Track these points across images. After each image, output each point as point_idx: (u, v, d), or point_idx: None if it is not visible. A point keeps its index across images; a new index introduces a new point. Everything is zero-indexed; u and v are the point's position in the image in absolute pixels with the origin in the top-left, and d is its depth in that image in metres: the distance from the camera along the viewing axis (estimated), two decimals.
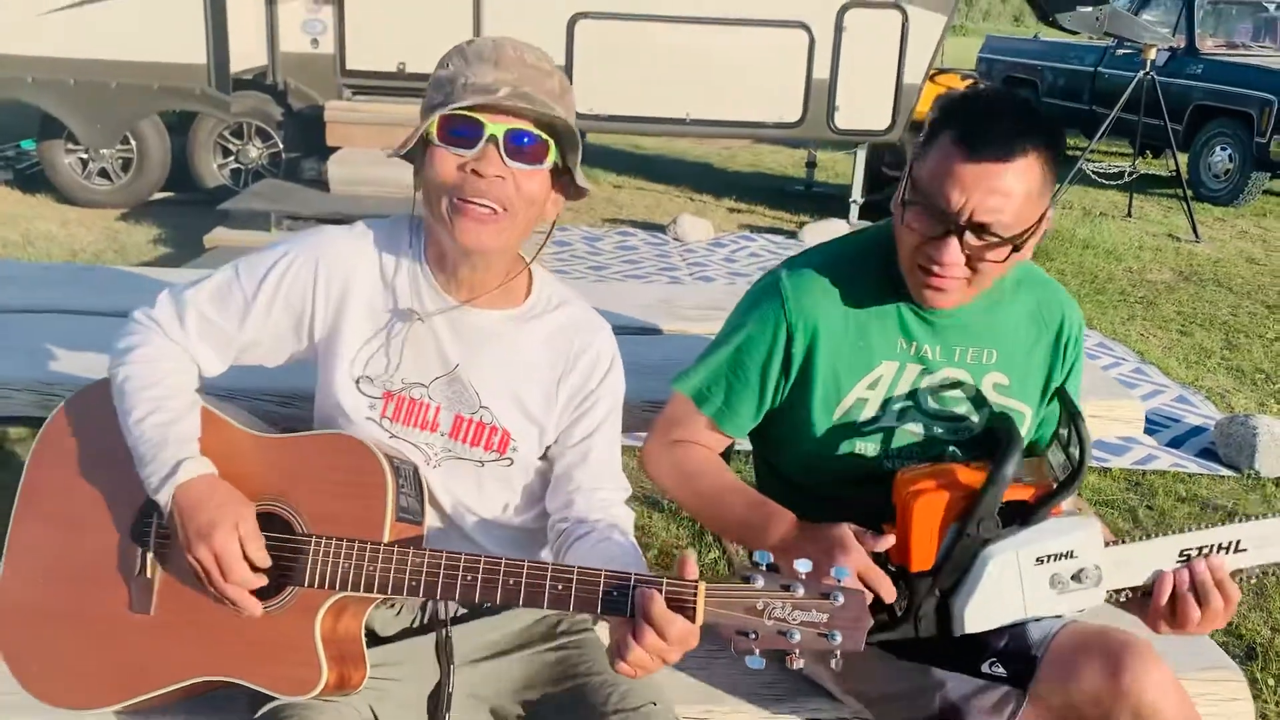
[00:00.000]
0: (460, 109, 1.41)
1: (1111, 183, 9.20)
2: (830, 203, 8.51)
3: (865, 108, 7.27)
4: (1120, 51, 10.40)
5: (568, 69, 7.20)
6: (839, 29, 7.14)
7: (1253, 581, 2.82)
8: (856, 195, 7.83)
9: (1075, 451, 1.52)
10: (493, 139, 1.42)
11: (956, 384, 1.69)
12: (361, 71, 7.11)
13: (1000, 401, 1.72)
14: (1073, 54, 11.64)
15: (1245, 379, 5.20)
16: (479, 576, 1.39)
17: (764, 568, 1.27)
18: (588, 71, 7.09)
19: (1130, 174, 8.77)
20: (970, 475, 1.53)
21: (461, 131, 1.43)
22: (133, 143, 7.27)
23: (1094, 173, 8.94)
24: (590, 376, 1.63)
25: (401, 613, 1.65)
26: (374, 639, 1.64)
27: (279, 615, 1.46)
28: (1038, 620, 1.55)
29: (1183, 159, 8.91)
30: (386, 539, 1.44)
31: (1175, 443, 4.32)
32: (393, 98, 7.11)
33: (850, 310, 1.67)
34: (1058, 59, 11.83)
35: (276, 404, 1.96)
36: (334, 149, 6.80)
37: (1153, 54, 8.14)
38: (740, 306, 1.75)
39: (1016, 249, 1.52)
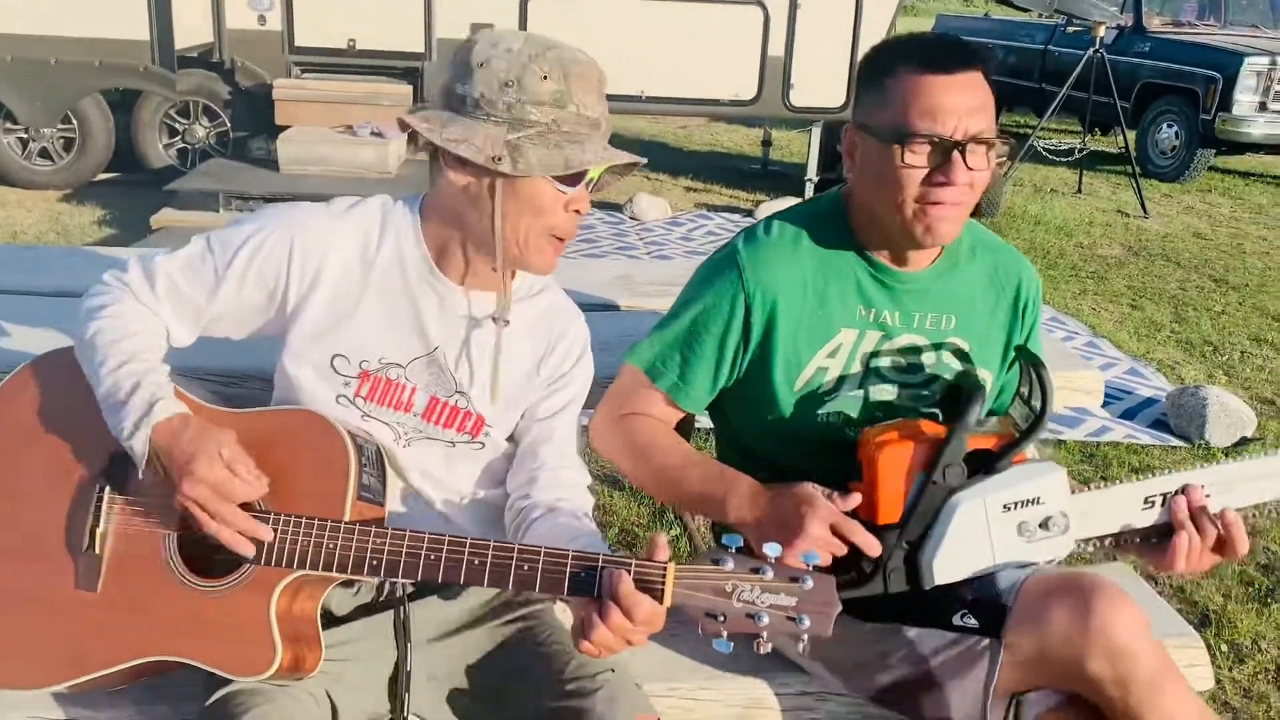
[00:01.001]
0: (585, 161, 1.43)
1: (1062, 159, 9.29)
2: (786, 181, 8.51)
3: (820, 85, 7.27)
4: (1070, 29, 10.48)
5: None
6: (794, 6, 7.13)
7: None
8: (812, 173, 7.83)
9: (1036, 402, 1.52)
10: (589, 181, 1.47)
11: (916, 350, 1.69)
12: (310, 48, 6.98)
13: (960, 367, 1.71)
14: (1023, 32, 11.72)
15: (1194, 351, 5.29)
16: (443, 556, 1.36)
17: (733, 550, 1.26)
18: None
19: (1080, 151, 8.86)
20: (934, 427, 1.53)
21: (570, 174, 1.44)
22: (75, 122, 7.08)
23: (1044, 149, 9.03)
24: (566, 359, 1.64)
25: (360, 592, 1.62)
26: (329, 619, 1.60)
27: (233, 593, 1.43)
28: (1007, 569, 1.55)
29: (1131, 136, 9.02)
30: (348, 517, 1.41)
31: (1128, 414, 4.37)
32: (342, 75, 7.00)
33: (809, 279, 1.66)
34: (1008, 37, 11.90)
35: (223, 384, 1.90)
36: (283, 128, 6.67)
37: (1101, 31, 8.22)
38: (696, 278, 1.73)
39: (1007, 149, 1.59)
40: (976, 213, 7.74)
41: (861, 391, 1.69)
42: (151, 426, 1.40)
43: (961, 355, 1.71)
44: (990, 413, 1.76)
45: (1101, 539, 1.56)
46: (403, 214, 1.57)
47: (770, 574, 1.25)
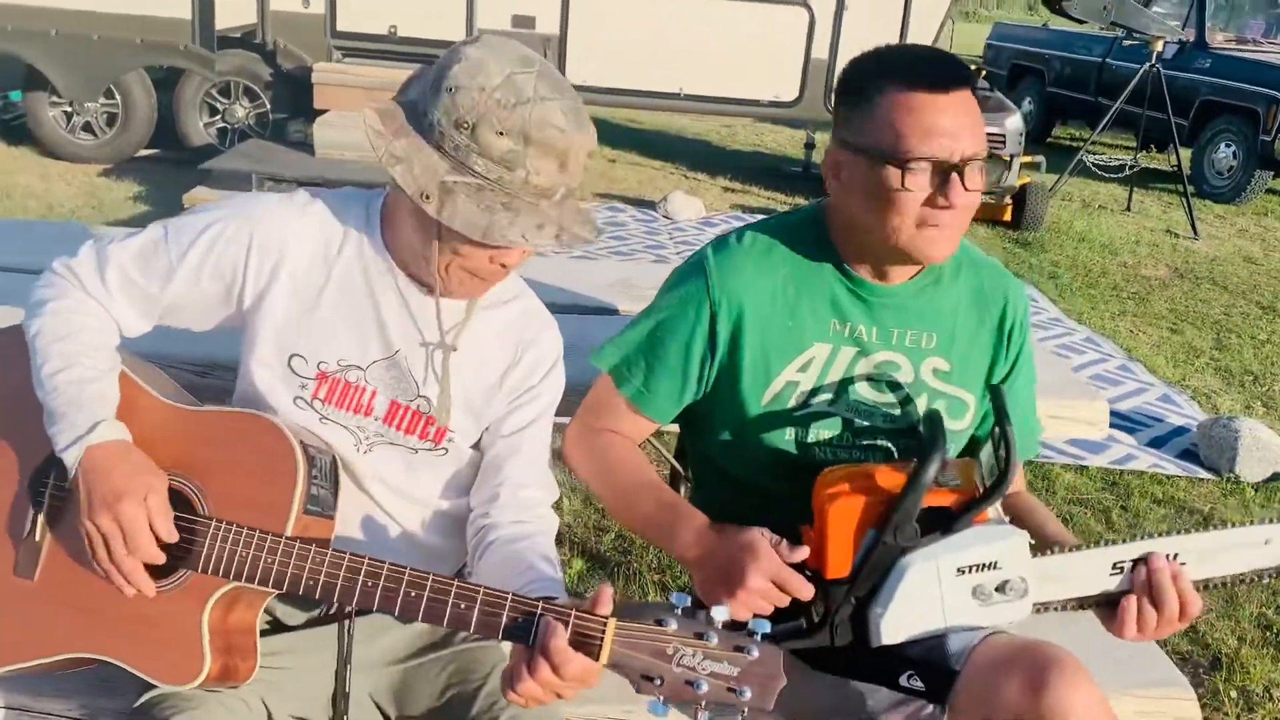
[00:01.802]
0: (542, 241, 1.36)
1: (1112, 175, 9.08)
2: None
3: None
4: (1127, 42, 10.24)
5: (562, 39, 7.09)
6: (840, 7, 7.03)
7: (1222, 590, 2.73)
8: None
9: (1003, 455, 1.43)
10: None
11: (894, 367, 1.61)
12: (352, 33, 7.00)
13: (941, 388, 1.63)
14: (1080, 44, 11.48)
15: (1233, 380, 5.12)
16: (379, 585, 1.31)
17: (679, 611, 1.21)
18: (582, 42, 6.98)
19: (1131, 167, 8.64)
20: (891, 478, 1.45)
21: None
22: (118, 98, 7.15)
23: (1094, 165, 8.82)
24: (534, 371, 1.57)
25: (310, 604, 1.57)
26: (278, 626, 1.57)
27: (167, 597, 1.39)
28: (960, 631, 1.47)
29: (1186, 154, 8.79)
30: (289, 532, 1.36)
31: (1156, 443, 4.23)
32: (383, 61, 7.00)
33: (780, 289, 1.58)
34: (1065, 48, 11.67)
35: (195, 374, 1.87)
36: (322, 111, 6.68)
37: (1160, 46, 8.01)
38: (665, 285, 1.67)
39: (1006, 166, 1.51)
40: (1016, 225, 7.56)
41: (834, 410, 1.61)
42: (85, 448, 1.36)
43: (942, 375, 1.63)
44: (969, 447, 1.67)
45: (1062, 603, 1.47)
46: (365, 212, 1.51)
47: (715, 640, 1.19)
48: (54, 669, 1.47)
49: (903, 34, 6.99)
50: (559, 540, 3.05)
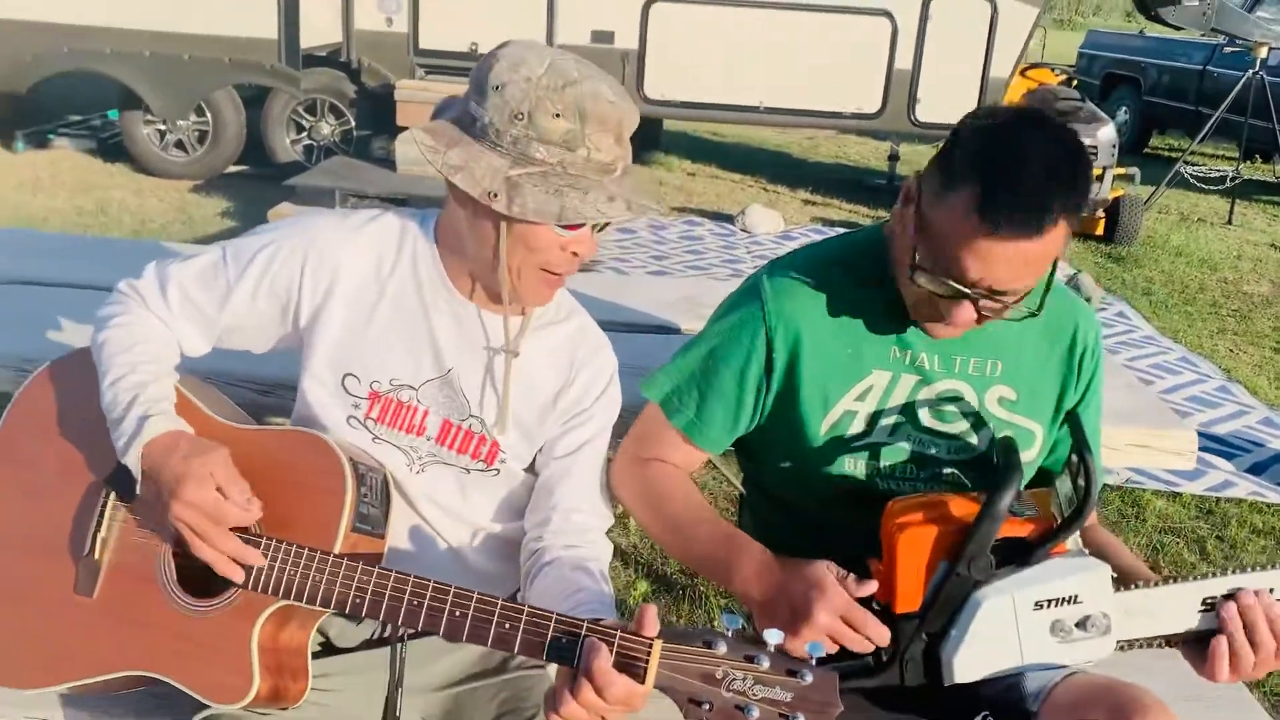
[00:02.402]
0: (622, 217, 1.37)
1: (1212, 187, 8.73)
2: None
3: (948, 100, 6.99)
4: (1229, 49, 9.86)
5: (640, 53, 7.07)
6: (924, 18, 6.89)
7: None
8: None
9: (1083, 484, 1.34)
10: (597, 225, 1.40)
11: (957, 398, 1.53)
12: (434, 51, 7.09)
13: (1006, 418, 1.54)
14: (1179, 51, 11.10)
15: None
16: (424, 604, 1.30)
17: (730, 632, 1.16)
18: (661, 56, 6.96)
19: (1233, 179, 8.30)
20: (964, 507, 1.37)
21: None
22: (208, 116, 7.35)
23: (1192, 176, 8.49)
24: (588, 392, 1.55)
25: (363, 624, 1.56)
26: (330, 648, 1.56)
27: (218, 615, 1.39)
28: (1037, 669, 1.38)
29: None
30: (338, 549, 1.36)
31: (1256, 469, 4.02)
32: (465, 78, 7.05)
33: (838, 315, 1.52)
34: (1163, 56, 11.30)
35: (257, 392, 1.88)
36: (404, 128, 6.76)
37: (1264, 52, 7.70)
38: (719, 310, 1.61)
39: (1032, 313, 1.40)
40: (1110, 239, 7.29)
41: (892, 441, 1.54)
42: (142, 445, 1.37)
43: (1008, 404, 1.54)
44: (1035, 480, 1.58)
45: (1148, 640, 1.38)
46: (419, 231, 1.52)
47: (766, 663, 1.14)
48: (113, 687, 1.48)
49: (989, 44, 6.82)
50: (625, 562, 3.02)
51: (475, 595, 1.28)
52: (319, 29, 6.83)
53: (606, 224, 1.42)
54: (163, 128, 7.38)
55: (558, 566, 1.46)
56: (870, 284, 1.53)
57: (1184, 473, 3.91)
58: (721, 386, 1.55)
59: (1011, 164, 1.31)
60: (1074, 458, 1.39)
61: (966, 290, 1.35)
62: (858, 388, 1.53)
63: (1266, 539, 3.52)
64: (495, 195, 1.33)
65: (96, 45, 6.65)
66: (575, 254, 1.41)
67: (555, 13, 6.97)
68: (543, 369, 1.53)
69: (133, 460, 1.37)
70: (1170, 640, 1.37)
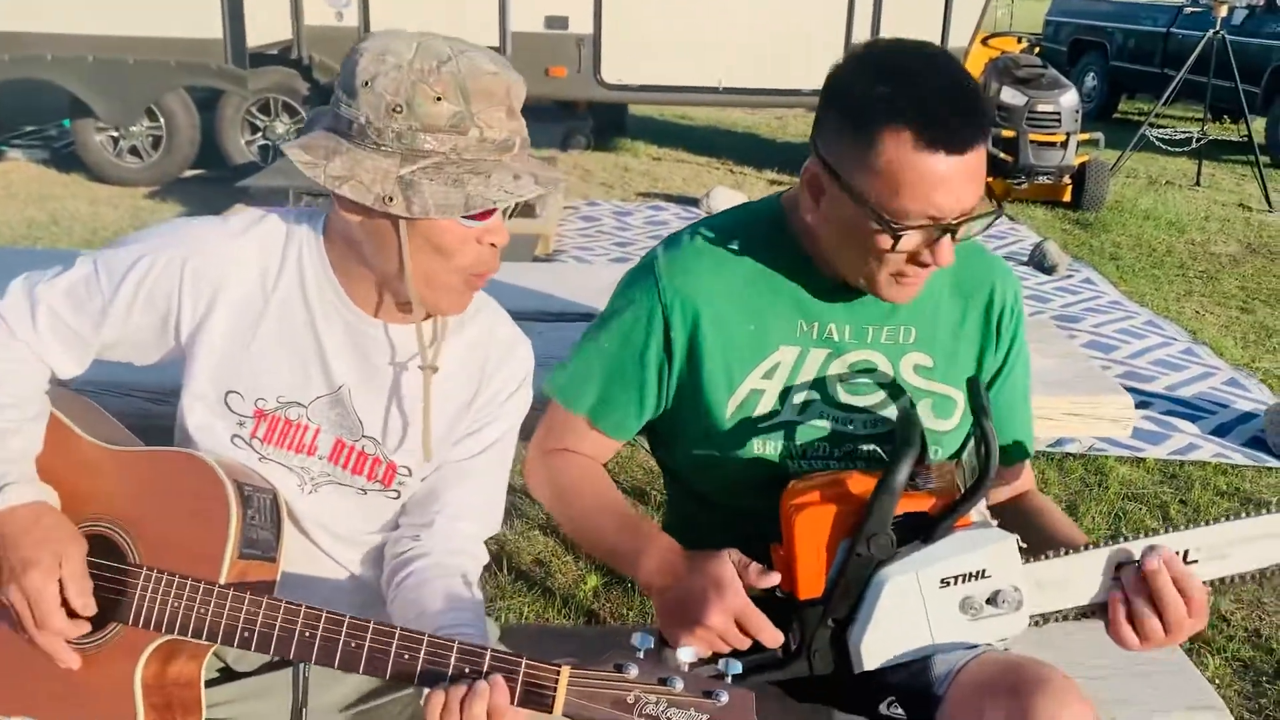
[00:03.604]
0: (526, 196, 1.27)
1: (1179, 149, 8.69)
2: None
3: None
4: (1191, 10, 9.84)
5: (596, 38, 6.99)
6: None
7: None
8: None
9: (984, 452, 1.28)
10: (507, 208, 1.29)
11: (870, 369, 1.46)
12: None
13: (924, 386, 1.48)
14: (1144, 14, 11.06)
15: None
16: (318, 636, 1.22)
17: (642, 653, 1.11)
18: (617, 40, 6.88)
19: (1199, 140, 8.26)
20: (865, 483, 1.30)
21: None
22: (161, 120, 7.23)
23: (1158, 139, 8.45)
24: (496, 397, 1.45)
25: None
26: (229, 674, 1.48)
27: (99, 653, 1.30)
28: (949, 650, 1.32)
29: (1260, 123, 8.38)
30: (224, 579, 1.27)
31: (1221, 430, 3.98)
32: None
33: (739, 290, 1.45)
34: (1128, 20, 11.26)
35: (149, 400, 1.80)
36: None
37: (1223, 11, 7.65)
38: (617, 289, 1.54)
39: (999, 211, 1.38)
40: (1076, 205, 7.26)
41: (804, 419, 1.47)
42: None
43: (924, 372, 1.48)
44: (956, 453, 1.52)
45: (1065, 613, 1.32)
46: (307, 235, 1.39)
47: (680, 685, 1.09)
48: None
49: (946, 16, 6.76)
50: (575, 556, 2.96)
51: (371, 625, 1.20)
52: (267, 27, 6.72)
53: (518, 206, 1.33)
54: (115, 135, 7.27)
55: (434, 572, 1.38)
56: (773, 252, 1.46)
57: (1148, 435, 3.87)
58: (622, 370, 1.49)
59: (923, 90, 1.27)
60: (975, 427, 1.33)
61: (952, 222, 1.29)
62: (763, 365, 1.47)
63: (1231, 500, 3.48)
64: (391, 199, 1.22)
65: (38, 52, 6.53)
66: (493, 245, 1.31)
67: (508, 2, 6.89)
68: (453, 379, 1.42)
69: None
70: (1087, 612, 1.32)
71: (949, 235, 1.30)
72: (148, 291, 1.36)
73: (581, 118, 9.06)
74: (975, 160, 1.28)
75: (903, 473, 1.25)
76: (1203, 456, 3.76)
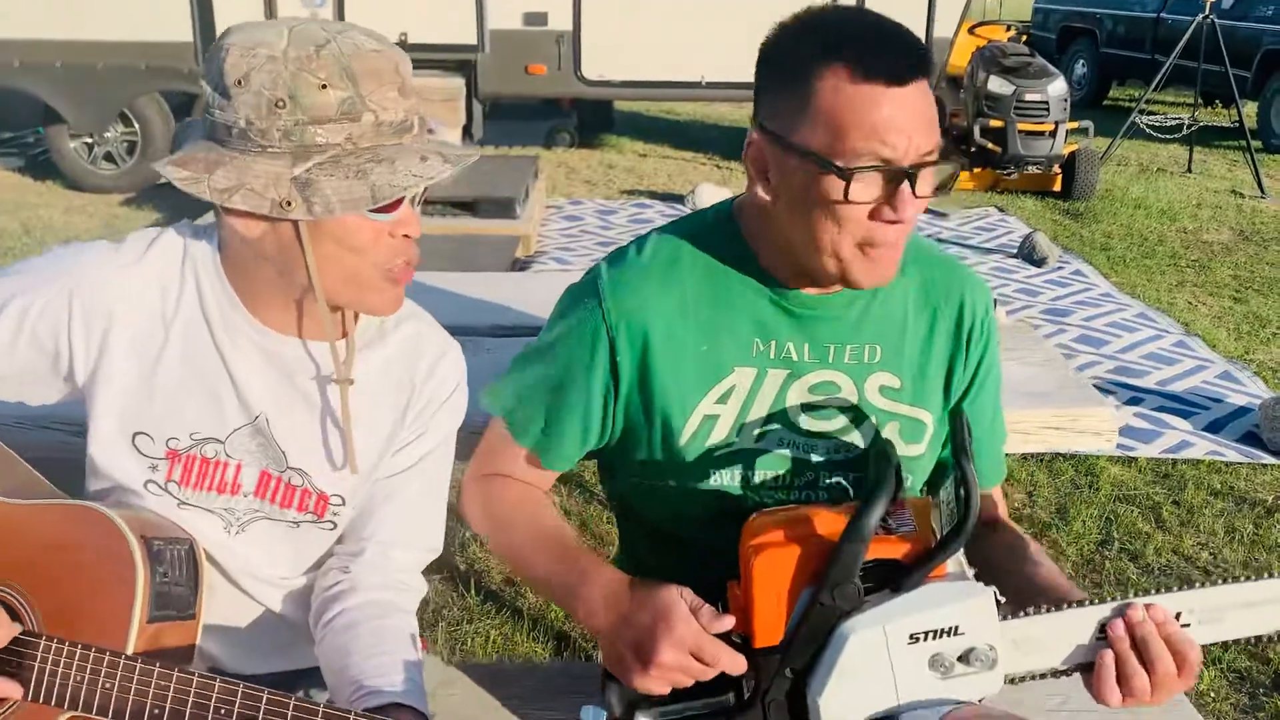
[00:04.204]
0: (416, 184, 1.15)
1: (1170, 136, 8.59)
2: None
3: None
4: None
5: (576, 34, 6.88)
6: None
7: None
8: None
9: (963, 495, 1.18)
10: (416, 195, 1.18)
11: (833, 391, 1.36)
12: None
13: (890, 408, 1.38)
14: (1133, 0, 10.94)
15: None
16: (234, 712, 1.11)
17: None
18: (597, 36, 6.77)
19: (1189, 126, 8.16)
20: (832, 523, 1.20)
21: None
22: (136, 125, 7.11)
23: (1148, 126, 8.35)
24: (427, 408, 1.34)
25: None
26: None
27: None
28: (916, 709, 1.22)
29: (1251, 108, 8.28)
30: (132, 647, 1.16)
31: (1214, 426, 3.88)
32: None
33: (690, 306, 1.34)
34: (1117, 6, 11.15)
35: (72, 434, 1.69)
36: None
37: None
38: (558, 307, 1.43)
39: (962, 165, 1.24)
40: (1067, 195, 7.17)
41: (766, 445, 1.37)
42: None
43: (891, 394, 1.38)
44: (935, 473, 1.42)
45: (1042, 673, 1.22)
46: (203, 252, 1.27)
47: None
48: None
49: (930, 5, 6.65)
50: None
51: (292, 702, 1.09)
52: None
53: (424, 191, 1.22)
54: (90, 141, 7.14)
55: (365, 615, 1.28)
56: (725, 268, 1.35)
57: (1139, 433, 3.78)
58: (567, 398, 1.38)
59: (853, 29, 1.21)
60: (955, 469, 1.22)
61: (908, 167, 1.18)
62: (718, 388, 1.36)
63: (1224, 500, 3.39)
64: (289, 203, 1.11)
65: (5, 58, 6.40)
66: (407, 236, 1.20)
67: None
68: (376, 389, 1.32)
69: None
70: (1067, 672, 1.22)
71: (908, 182, 1.18)
72: (30, 332, 1.24)
73: (566, 115, 8.96)
74: (919, 95, 1.18)
75: (874, 518, 1.15)
76: (1196, 454, 3.67)
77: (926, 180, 1.21)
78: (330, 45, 1.12)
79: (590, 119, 9.18)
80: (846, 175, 1.17)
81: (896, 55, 1.18)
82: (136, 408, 1.26)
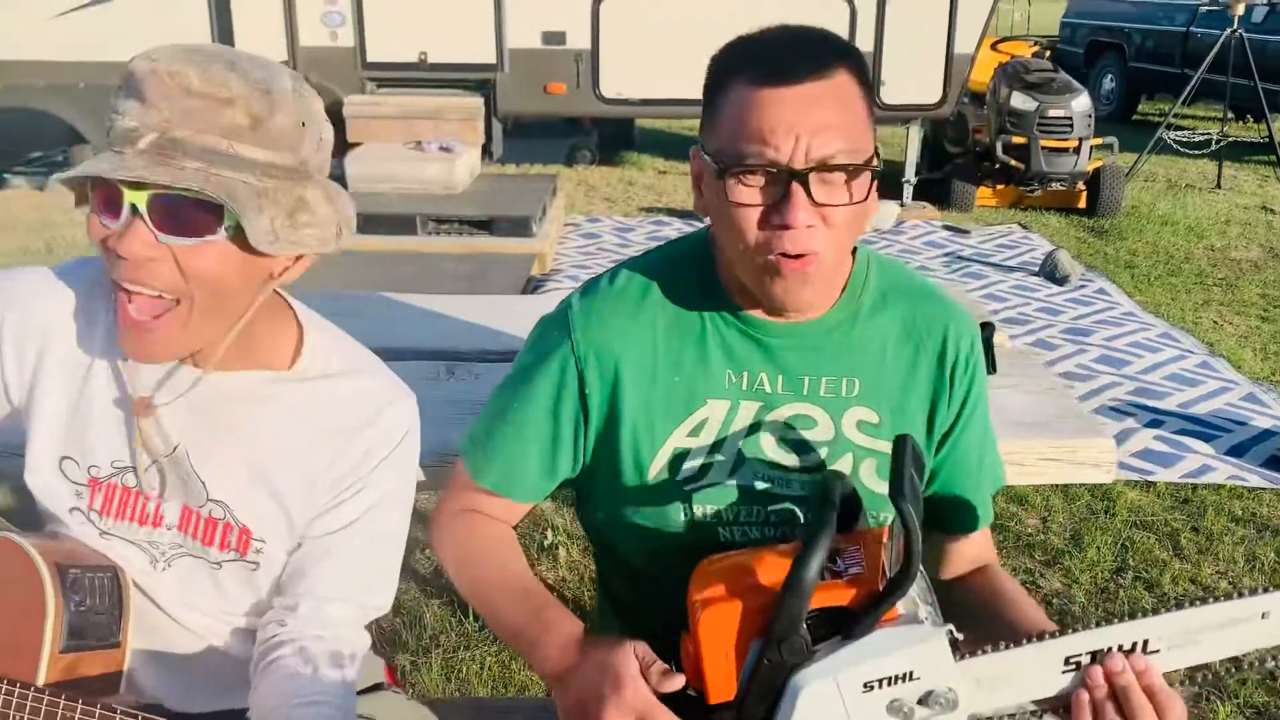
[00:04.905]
0: (81, 175, 1.11)
1: (1198, 151, 8.46)
2: (883, 182, 7.98)
3: (914, 81, 6.79)
4: (1209, 9, 9.61)
5: (594, 53, 6.87)
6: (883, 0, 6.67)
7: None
8: (910, 175, 7.34)
9: (901, 537, 1.13)
10: (134, 209, 1.10)
11: (809, 425, 1.32)
12: (383, 64, 6.91)
13: (868, 444, 1.34)
14: (1161, 14, 10.83)
15: None
16: None
17: None
18: (615, 55, 6.77)
19: (1218, 141, 8.04)
20: (775, 571, 1.15)
21: (106, 199, 1.12)
22: None
23: (1175, 142, 8.23)
24: (363, 462, 1.28)
25: None
26: None
27: None
28: None
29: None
30: (43, 679, 1.14)
31: (1237, 450, 3.79)
32: (416, 89, 6.90)
33: (663, 337, 1.31)
34: (1145, 20, 11.03)
35: (18, 454, 1.66)
36: (356, 145, 6.59)
37: (1240, 9, 7.44)
38: (527, 342, 1.40)
39: (874, 176, 1.19)
40: (1091, 212, 7.06)
41: (739, 479, 1.33)
42: None
43: (869, 429, 1.34)
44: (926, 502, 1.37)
45: (1010, 713, 1.17)
46: None
47: None
48: None
49: (951, 22, 6.60)
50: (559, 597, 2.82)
51: None
52: (261, 48, 6.61)
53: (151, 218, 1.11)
54: None
55: (296, 664, 1.24)
56: (697, 297, 1.32)
57: (1159, 457, 3.69)
58: (533, 433, 1.35)
59: (764, 38, 1.22)
60: (896, 510, 1.17)
61: (798, 168, 1.14)
62: (690, 421, 1.33)
63: (1245, 528, 3.30)
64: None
65: (29, 80, 6.48)
66: (121, 256, 1.10)
67: (504, 15, 6.78)
68: (305, 427, 1.27)
69: None
70: (1035, 711, 1.17)
71: (798, 185, 1.14)
72: None
73: (587, 133, 8.97)
74: (822, 92, 1.15)
75: (813, 569, 1.10)
76: (1217, 479, 3.58)
77: (834, 188, 1.17)
78: (147, 55, 1.13)
79: (611, 136, 9.18)
80: (727, 175, 1.16)
81: (794, 58, 1.17)
82: (64, 432, 1.26)
